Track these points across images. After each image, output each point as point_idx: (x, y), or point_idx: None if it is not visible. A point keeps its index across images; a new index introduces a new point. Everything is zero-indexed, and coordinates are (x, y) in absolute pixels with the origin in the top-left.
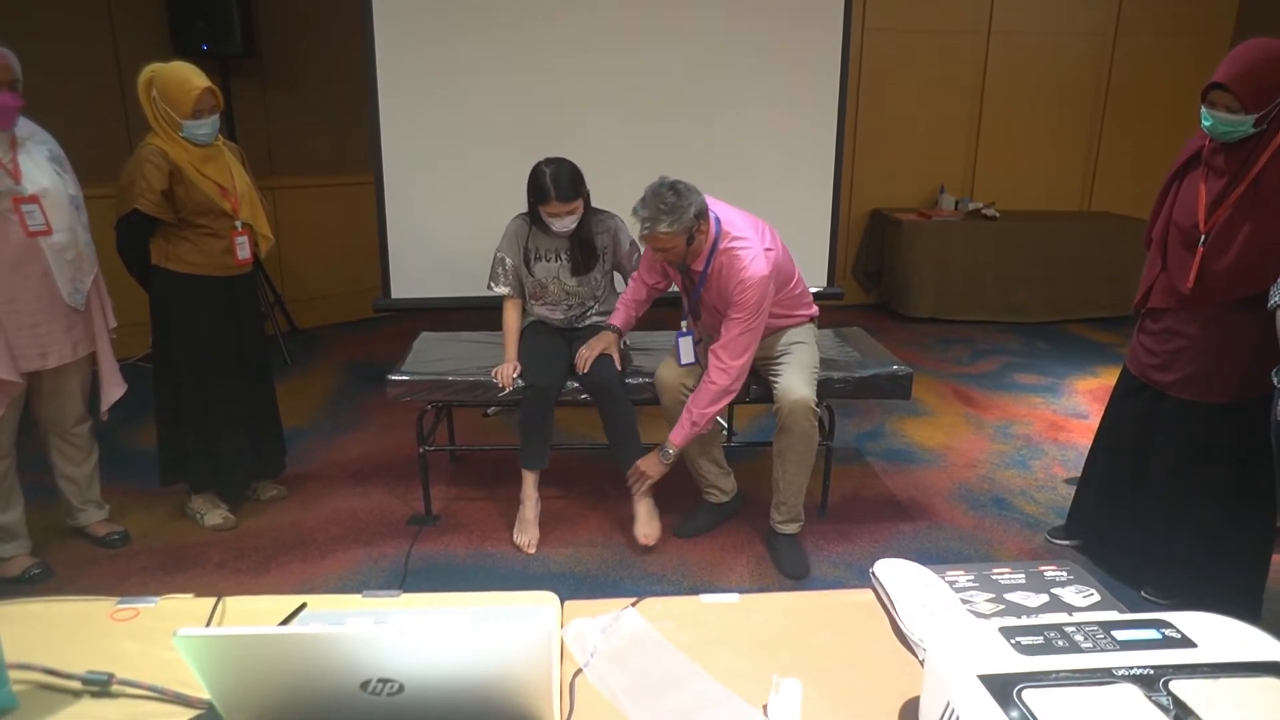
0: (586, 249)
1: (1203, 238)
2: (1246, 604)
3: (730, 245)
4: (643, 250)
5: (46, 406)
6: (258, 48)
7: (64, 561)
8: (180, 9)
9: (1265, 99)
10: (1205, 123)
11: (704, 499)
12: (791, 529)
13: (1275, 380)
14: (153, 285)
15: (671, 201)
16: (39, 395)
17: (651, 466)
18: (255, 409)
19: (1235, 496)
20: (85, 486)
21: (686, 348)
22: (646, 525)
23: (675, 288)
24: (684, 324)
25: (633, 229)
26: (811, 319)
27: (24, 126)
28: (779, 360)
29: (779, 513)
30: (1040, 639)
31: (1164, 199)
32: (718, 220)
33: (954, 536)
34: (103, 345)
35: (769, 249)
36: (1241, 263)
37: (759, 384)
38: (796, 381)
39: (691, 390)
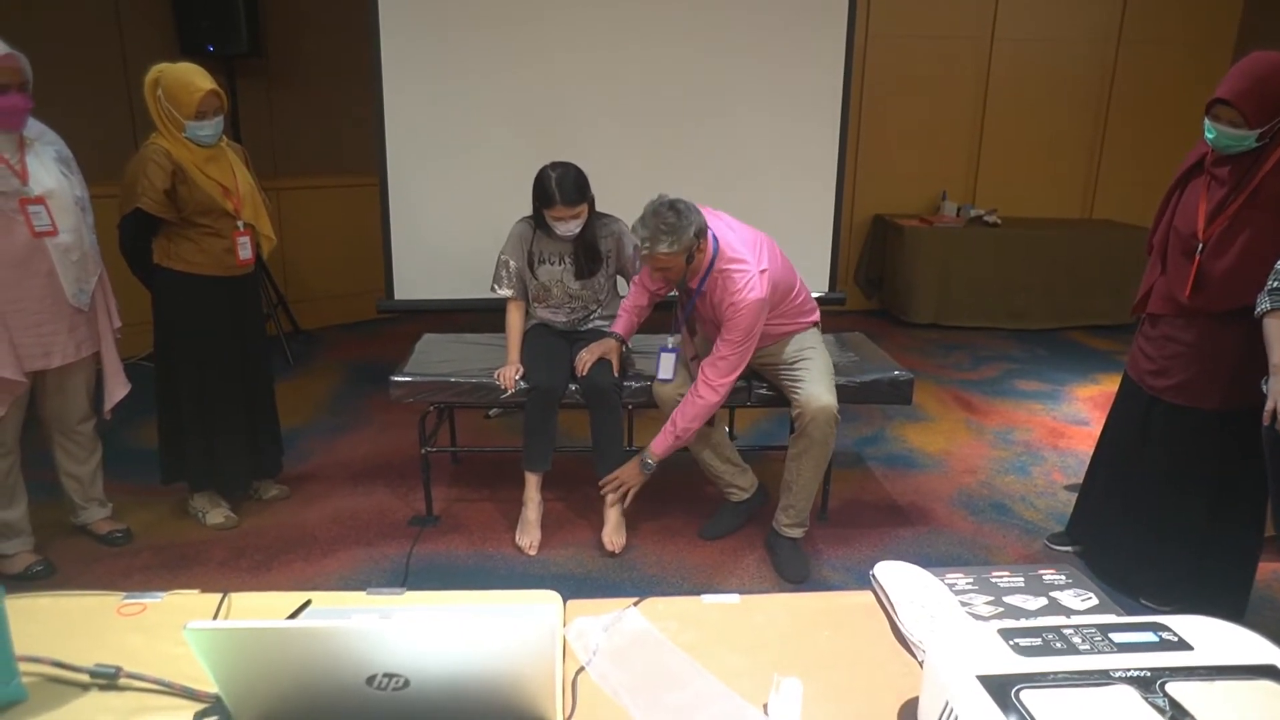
0: (590, 253)
1: (1200, 246)
2: (1231, 606)
3: (727, 267)
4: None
5: (50, 405)
6: (263, 48)
7: (66, 559)
8: (186, 9)
9: (1269, 114)
10: (1208, 135)
11: (725, 499)
12: (796, 533)
13: (1264, 388)
14: (155, 284)
15: (671, 221)
16: (43, 393)
17: (631, 475)
18: (255, 409)
19: (1224, 501)
20: (88, 484)
21: (667, 364)
22: (615, 534)
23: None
24: (670, 340)
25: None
26: (815, 324)
27: (33, 127)
28: (795, 366)
29: (786, 515)
30: (1038, 641)
31: (1167, 204)
32: (715, 240)
33: (953, 542)
34: (107, 345)
35: (764, 270)
36: (1237, 273)
37: (771, 389)
38: (820, 388)
39: None
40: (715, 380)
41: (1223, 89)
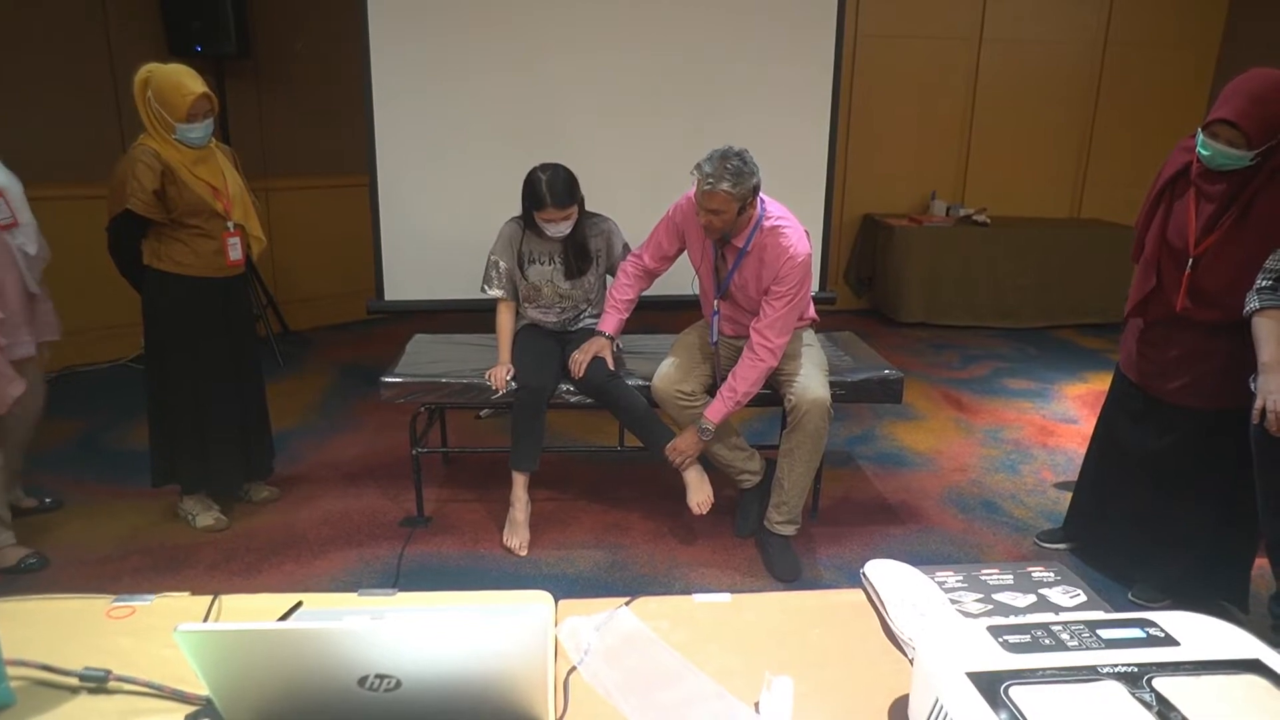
0: (580, 253)
1: (1191, 261)
2: (1238, 603)
3: (775, 224)
4: (653, 237)
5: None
6: (252, 49)
7: (55, 562)
8: (174, 10)
9: (1269, 135)
10: (1203, 152)
11: (742, 490)
12: (789, 530)
13: (1252, 386)
14: (144, 286)
15: (737, 165)
16: None
17: (690, 445)
18: (246, 411)
19: (1227, 500)
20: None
21: (716, 325)
22: (698, 492)
23: (695, 291)
24: (716, 303)
25: (666, 197)
26: (813, 322)
27: None
28: (789, 359)
29: (778, 513)
30: (1027, 637)
31: (1152, 213)
32: (762, 200)
33: (944, 540)
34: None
35: (806, 230)
36: (1232, 289)
37: (765, 386)
38: (814, 382)
39: (688, 395)
40: (774, 341)
41: (1227, 109)
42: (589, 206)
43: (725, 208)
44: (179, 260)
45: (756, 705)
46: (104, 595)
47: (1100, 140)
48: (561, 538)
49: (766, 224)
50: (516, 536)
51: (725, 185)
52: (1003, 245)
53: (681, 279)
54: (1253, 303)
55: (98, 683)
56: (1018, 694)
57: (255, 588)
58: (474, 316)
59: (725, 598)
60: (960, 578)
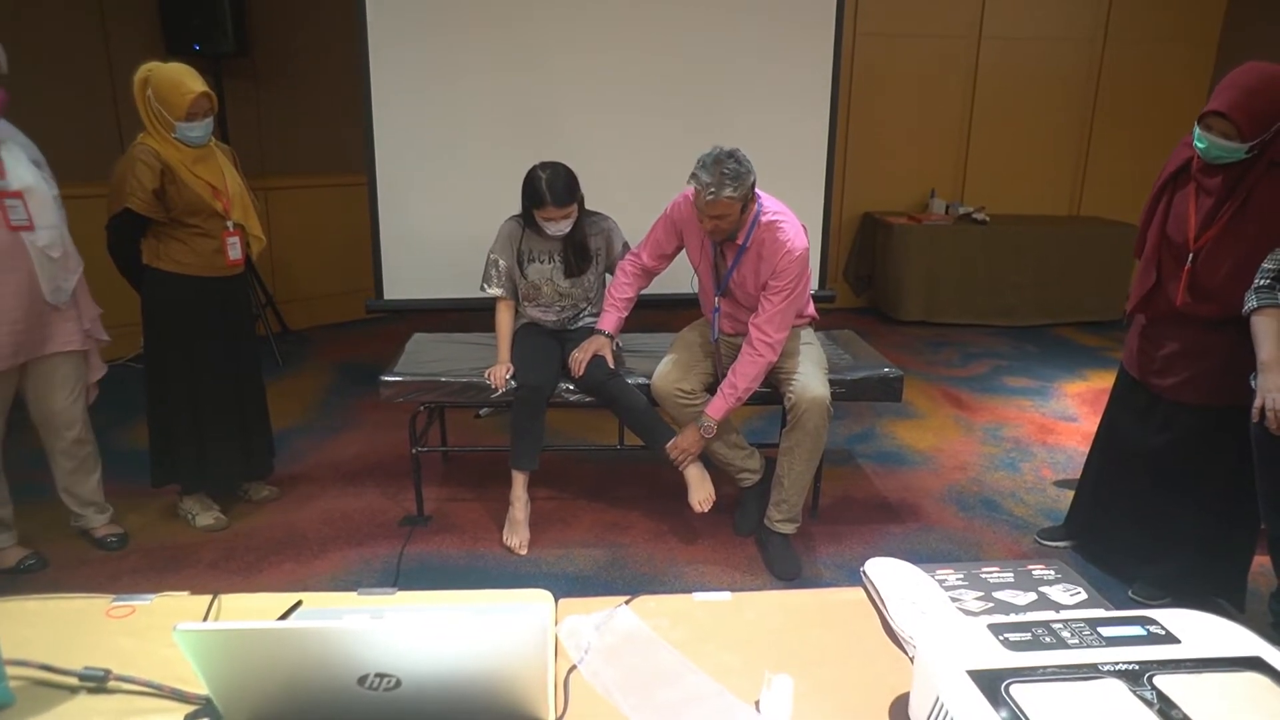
0: (580, 251)
1: (1191, 256)
2: (1234, 601)
3: (772, 219)
4: (652, 235)
5: (33, 408)
6: (250, 47)
7: (55, 561)
8: (173, 8)
9: (1262, 127)
10: (1199, 144)
11: (741, 488)
12: (788, 528)
13: (1252, 384)
14: (144, 285)
15: (733, 168)
16: (23, 393)
17: (692, 442)
18: (246, 410)
19: (1226, 497)
20: (85, 498)
21: (716, 323)
22: (699, 490)
23: (694, 289)
24: (717, 300)
25: (657, 203)
26: (812, 320)
27: (3, 127)
28: (788, 357)
29: (778, 511)
30: (1028, 635)
31: (1154, 209)
32: (758, 196)
33: (944, 538)
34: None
35: (803, 225)
36: (1232, 283)
37: (765, 384)
38: (814, 380)
39: (688, 393)
40: (772, 336)
41: (1218, 102)
42: (588, 205)
43: (729, 211)
44: (178, 259)
45: (757, 704)
46: (104, 595)
47: (1099, 138)
48: (561, 536)
49: (764, 219)
50: (516, 535)
51: (728, 191)
52: (1002, 243)
53: (681, 277)
54: (1251, 302)
55: (97, 682)
56: (1018, 692)
57: (255, 587)
58: (473, 315)
59: (725, 596)
60: (960, 576)
